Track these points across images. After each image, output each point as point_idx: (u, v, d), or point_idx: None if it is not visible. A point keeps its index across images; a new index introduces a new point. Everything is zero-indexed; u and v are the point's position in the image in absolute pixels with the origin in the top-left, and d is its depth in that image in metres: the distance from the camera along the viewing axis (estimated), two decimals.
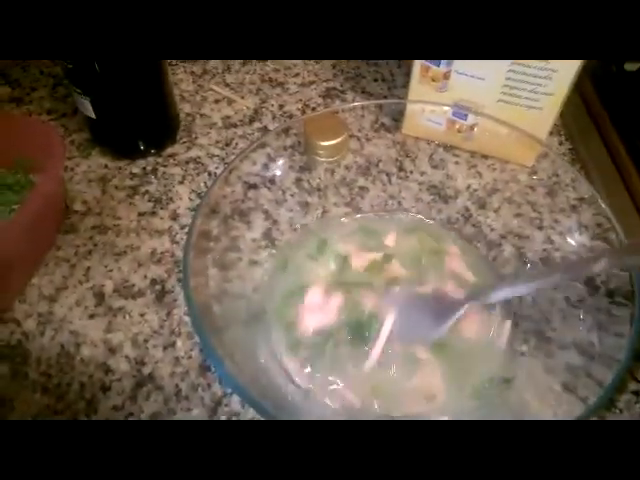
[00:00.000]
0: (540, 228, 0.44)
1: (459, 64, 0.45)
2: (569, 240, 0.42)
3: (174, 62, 0.59)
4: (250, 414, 0.35)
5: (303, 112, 0.55)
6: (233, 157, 0.50)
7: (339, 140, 0.47)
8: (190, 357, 0.38)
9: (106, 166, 0.49)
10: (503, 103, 0.46)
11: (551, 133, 0.53)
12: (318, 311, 0.39)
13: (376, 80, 0.58)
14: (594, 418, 0.36)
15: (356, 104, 0.46)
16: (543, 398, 0.36)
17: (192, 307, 0.31)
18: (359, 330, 0.37)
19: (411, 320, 0.38)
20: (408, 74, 0.59)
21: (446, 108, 0.46)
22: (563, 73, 0.43)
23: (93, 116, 0.45)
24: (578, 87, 0.45)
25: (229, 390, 0.36)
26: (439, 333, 0.37)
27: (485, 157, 0.48)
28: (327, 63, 0.60)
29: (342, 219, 0.47)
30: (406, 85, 0.58)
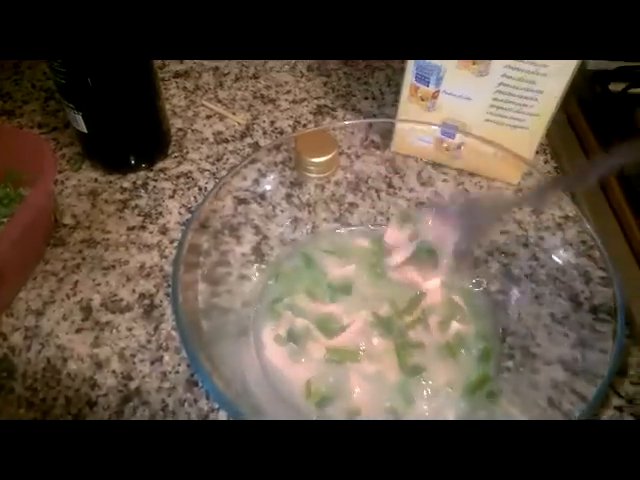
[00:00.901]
0: (526, 245, 0.45)
1: (447, 84, 0.46)
2: (554, 257, 0.43)
3: (167, 78, 0.59)
4: None
5: (294, 129, 0.56)
6: (224, 172, 0.51)
7: (329, 157, 0.48)
8: (177, 372, 0.38)
9: (96, 180, 0.49)
10: (490, 123, 0.47)
11: (537, 152, 0.54)
12: None
13: (366, 98, 0.59)
14: None
15: (347, 122, 0.47)
16: (528, 413, 0.36)
17: (180, 322, 0.32)
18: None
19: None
20: (397, 92, 0.60)
21: (434, 127, 0.46)
22: (549, 94, 0.44)
23: (85, 131, 0.45)
24: (564, 106, 0.46)
25: (216, 406, 0.36)
26: None
27: (472, 175, 0.49)
28: (318, 81, 0.60)
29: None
30: (395, 103, 0.59)
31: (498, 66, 0.43)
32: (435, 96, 0.47)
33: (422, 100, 0.48)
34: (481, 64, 0.44)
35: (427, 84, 0.46)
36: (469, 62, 0.44)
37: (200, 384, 0.37)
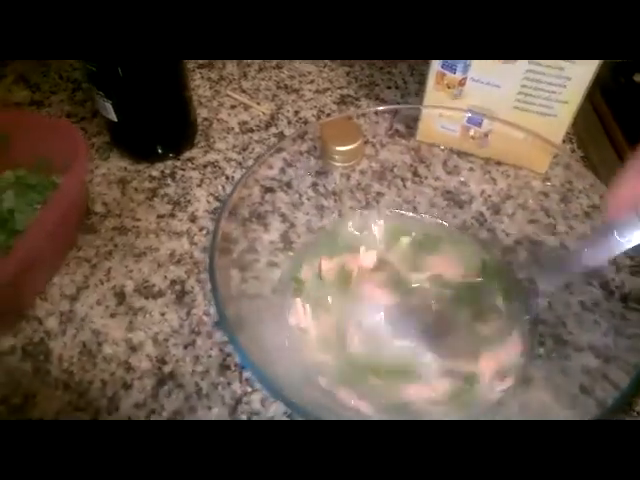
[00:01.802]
0: (554, 234, 0.45)
1: (475, 71, 0.45)
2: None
3: (191, 68, 0.60)
4: (271, 412, 0.36)
5: (318, 118, 0.56)
6: (250, 161, 0.52)
7: (355, 145, 0.48)
8: (210, 356, 0.38)
9: (125, 169, 0.50)
10: (518, 110, 0.47)
11: (563, 141, 0.53)
12: None
13: (389, 87, 0.59)
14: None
15: (373, 109, 0.47)
16: (561, 400, 0.36)
17: (219, 304, 0.32)
18: None
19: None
20: (421, 82, 0.60)
21: (462, 114, 0.46)
22: (577, 81, 0.43)
23: (115, 119, 0.46)
24: (589, 96, 0.46)
25: (249, 389, 0.37)
26: None
27: (499, 164, 0.49)
28: (341, 70, 0.60)
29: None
30: (419, 93, 0.59)
31: None
32: (462, 83, 0.47)
33: (448, 88, 0.48)
34: None
35: (454, 71, 0.46)
36: None
37: (233, 368, 0.37)
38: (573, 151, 0.54)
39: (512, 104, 0.47)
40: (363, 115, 0.47)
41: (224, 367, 0.38)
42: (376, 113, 0.48)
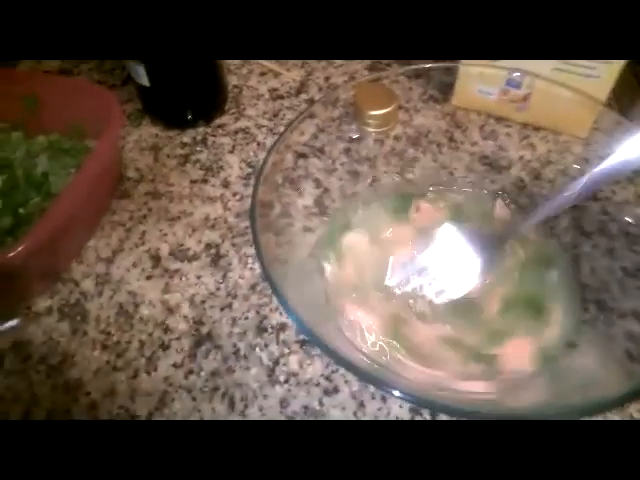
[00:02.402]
0: (596, 199, 0.43)
1: None
2: (625, 211, 0.41)
3: None
4: (309, 374, 0.35)
5: (350, 83, 0.55)
6: (281, 128, 0.51)
7: (389, 110, 0.46)
8: (247, 318, 0.38)
9: (157, 135, 0.49)
10: (558, 71, 0.45)
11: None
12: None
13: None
14: None
15: (411, 67, 0.45)
16: (606, 365, 0.35)
17: (264, 264, 0.31)
18: None
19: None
20: None
21: (503, 74, 0.45)
22: None
23: (147, 84, 0.45)
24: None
25: (287, 350, 0.36)
26: None
27: (537, 129, 0.47)
28: None
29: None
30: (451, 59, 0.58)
31: None
32: None
33: None
34: None
35: None
36: None
37: (270, 330, 0.37)
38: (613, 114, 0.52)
39: (553, 65, 0.45)
40: (400, 75, 0.46)
41: (261, 329, 0.37)
42: (410, 76, 0.47)
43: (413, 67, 0.45)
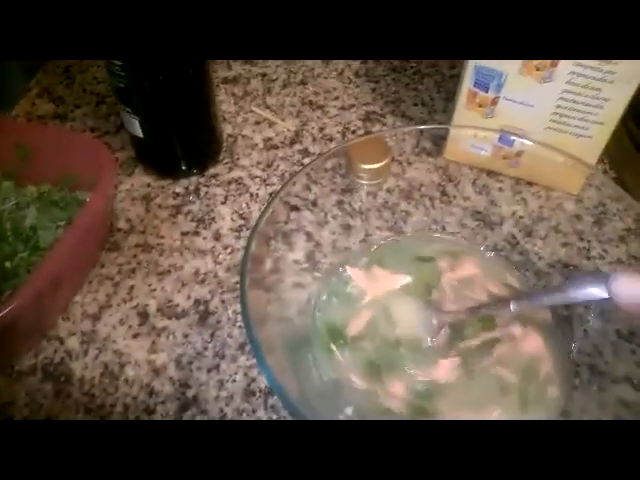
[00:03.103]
0: (588, 258, 0.43)
1: (508, 90, 0.44)
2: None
3: (215, 83, 0.59)
4: None
5: (343, 135, 0.55)
6: (274, 179, 0.51)
7: (382, 164, 0.47)
8: (234, 381, 0.37)
9: (149, 185, 0.49)
10: (551, 130, 0.46)
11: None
12: None
13: (416, 104, 0.58)
14: None
15: (404, 129, 0.46)
16: None
17: (250, 328, 0.31)
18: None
19: None
20: (448, 99, 0.59)
21: (494, 134, 0.45)
22: (615, 102, 0.42)
23: (141, 135, 0.45)
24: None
25: (274, 416, 0.35)
26: None
27: (529, 184, 0.48)
28: (366, 87, 0.60)
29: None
30: (446, 109, 0.58)
31: (563, 72, 0.42)
32: (494, 102, 0.46)
33: (480, 106, 0.47)
34: (545, 70, 0.42)
35: (486, 90, 0.45)
36: (532, 68, 0.43)
37: (258, 394, 0.36)
38: (605, 172, 0.53)
39: (546, 124, 0.46)
40: (394, 136, 0.46)
41: (249, 392, 0.36)
42: (403, 132, 0.48)
43: (406, 129, 0.46)
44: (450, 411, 0.35)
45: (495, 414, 0.35)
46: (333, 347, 0.38)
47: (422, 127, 0.45)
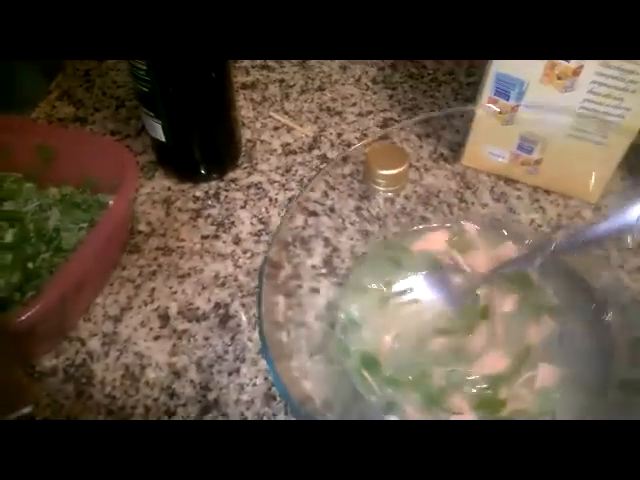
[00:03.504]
0: (607, 267, 0.43)
1: (529, 98, 0.44)
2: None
3: (235, 89, 0.60)
4: None
5: (361, 141, 0.55)
6: (293, 184, 0.51)
7: (400, 170, 0.47)
8: (255, 385, 0.37)
9: (169, 188, 0.49)
10: (572, 138, 0.46)
11: None
12: None
13: (433, 111, 0.59)
14: None
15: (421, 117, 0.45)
16: None
17: (263, 335, 0.31)
18: None
19: None
20: (465, 105, 0.59)
21: (514, 140, 0.45)
22: (637, 111, 0.42)
23: (163, 139, 0.45)
24: None
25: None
26: None
27: (548, 192, 0.48)
28: (384, 93, 0.60)
29: None
30: (464, 114, 0.58)
31: (585, 82, 0.42)
32: (514, 110, 0.46)
33: (500, 114, 0.47)
34: (567, 79, 0.42)
35: (507, 98, 0.45)
36: (554, 77, 0.43)
37: (278, 399, 0.36)
38: (623, 179, 0.53)
39: (566, 132, 0.46)
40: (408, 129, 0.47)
41: (269, 397, 0.37)
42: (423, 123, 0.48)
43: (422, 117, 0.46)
44: None
45: None
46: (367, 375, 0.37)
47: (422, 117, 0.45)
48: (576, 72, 0.42)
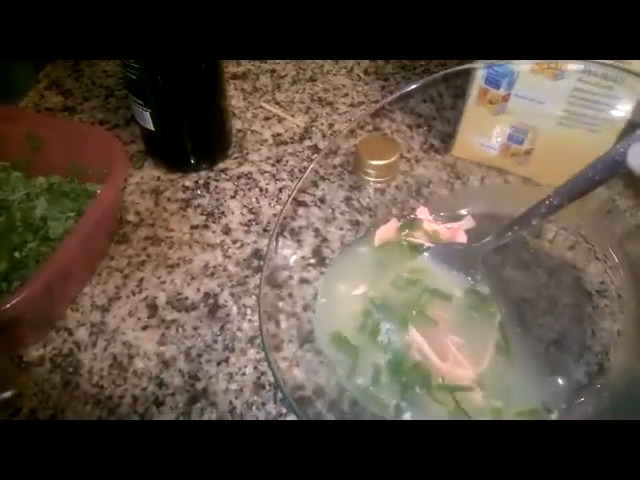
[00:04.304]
0: (597, 259, 0.43)
1: (520, 88, 0.44)
2: None
3: (226, 79, 0.59)
4: None
5: (352, 131, 0.55)
6: (284, 174, 0.51)
7: (390, 160, 0.47)
8: (244, 374, 0.37)
9: (159, 178, 0.49)
10: (562, 127, 0.46)
11: None
12: None
13: (424, 101, 0.58)
14: None
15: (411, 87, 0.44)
16: None
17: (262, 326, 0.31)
18: None
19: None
20: (456, 96, 0.59)
21: (505, 130, 0.45)
22: (626, 99, 0.42)
23: (152, 128, 0.45)
24: None
25: (284, 410, 0.35)
26: None
27: (537, 185, 0.48)
28: (376, 84, 0.60)
29: None
30: (454, 106, 0.58)
31: (574, 70, 0.42)
32: (505, 99, 0.46)
33: (491, 103, 0.47)
34: (557, 68, 0.42)
35: (498, 87, 0.45)
36: (544, 66, 0.43)
37: (267, 388, 0.36)
38: None
39: (556, 121, 0.45)
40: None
41: (258, 386, 0.36)
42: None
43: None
44: None
45: None
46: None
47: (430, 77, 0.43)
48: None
